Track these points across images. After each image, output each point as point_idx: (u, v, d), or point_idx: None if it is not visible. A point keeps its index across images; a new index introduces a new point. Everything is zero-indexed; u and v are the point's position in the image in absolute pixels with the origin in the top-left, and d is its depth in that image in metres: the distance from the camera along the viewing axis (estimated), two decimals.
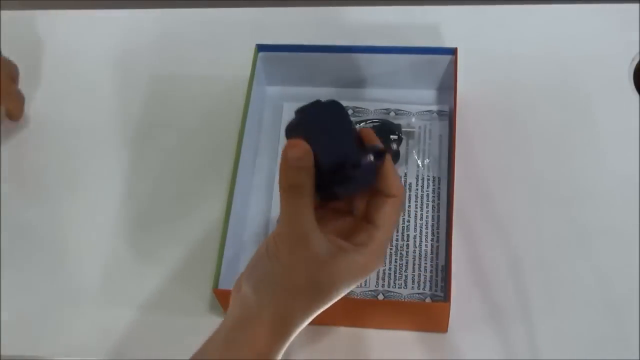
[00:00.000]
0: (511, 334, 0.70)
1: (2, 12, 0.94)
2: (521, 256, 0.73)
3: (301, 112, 0.55)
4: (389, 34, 0.86)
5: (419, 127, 0.80)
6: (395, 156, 0.78)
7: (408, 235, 0.74)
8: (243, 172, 0.76)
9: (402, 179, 0.78)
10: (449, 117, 0.80)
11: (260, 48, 0.81)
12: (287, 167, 0.52)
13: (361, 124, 0.79)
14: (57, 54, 0.92)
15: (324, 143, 0.53)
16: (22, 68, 0.87)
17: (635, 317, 0.70)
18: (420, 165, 0.78)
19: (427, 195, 0.76)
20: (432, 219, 0.75)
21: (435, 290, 0.71)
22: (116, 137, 0.85)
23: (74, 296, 0.76)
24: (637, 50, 0.84)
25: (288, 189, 0.53)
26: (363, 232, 0.56)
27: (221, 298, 0.70)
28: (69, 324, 0.75)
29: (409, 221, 0.75)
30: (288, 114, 0.82)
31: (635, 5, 0.86)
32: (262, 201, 0.78)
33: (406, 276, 0.72)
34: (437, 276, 0.72)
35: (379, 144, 0.56)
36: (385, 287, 0.72)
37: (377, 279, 0.73)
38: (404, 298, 0.71)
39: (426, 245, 0.74)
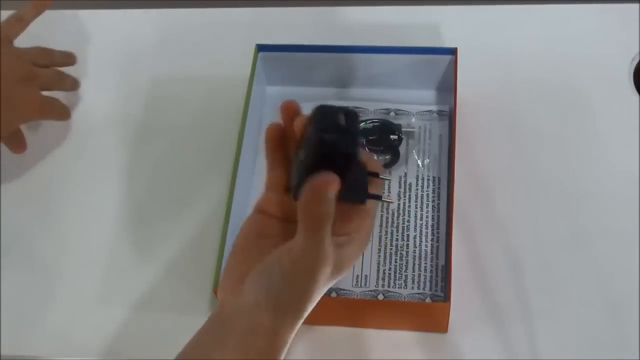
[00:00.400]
0: (511, 334, 0.70)
1: (3, 12, 0.94)
2: (521, 256, 0.73)
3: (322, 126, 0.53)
4: (389, 34, 0.86)
5: (419, 127, 0.80)
6: (395, 156, 0.78)
7: (408, 235, 0.74)
8: (243, 172, 0.76)
9: (402, 179, 0.78)
10: (449, 117, 0.80)
11: (260, 48, 0.81)
12: (318, 195, 0.51)
13: (361, 124, 0.79)
14: None
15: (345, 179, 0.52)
16: None
17: (635, 317, 0.70)
18: (420, 165, 0.78)
19: (427, 195, 0.76)
20: (432, 219, 0.75)
21: (435, 290, 0.71)
22: (116, 137, 0.85)
23: (74, 296, 0.76)
24: (637, 50, 0.84)
25: (317, 217, 0.52)
26: (344, 235, 0.55)
27: None
28: (68, 324, 0.75)
29: (409, 221, 0.75)
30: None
31: (635, 5, 0.86)
32: None
33: (406, 276, 0.72)
34: (437, 276, 0.72)
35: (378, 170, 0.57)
36: (385, 287, 0.72)
37: (377, 279, 0.72)
38: (404, 298, 0.71)
39: (426, 245, 0.74)
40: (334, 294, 0.71)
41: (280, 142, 0.57)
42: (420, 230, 0.74)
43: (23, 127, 0.82)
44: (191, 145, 0.83)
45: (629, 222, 0.74)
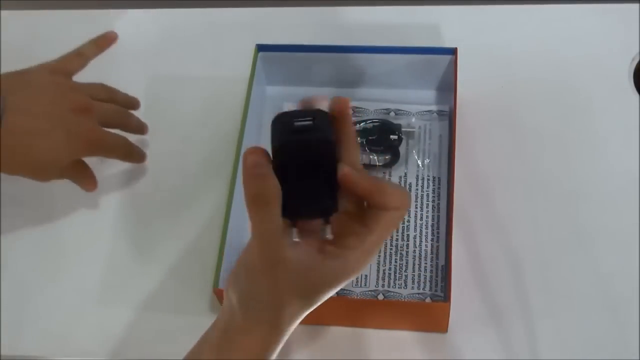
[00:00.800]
0: (511, 334, 0.70)
1: (2, 12, 0.94)
2: (521, 256, 0.73)
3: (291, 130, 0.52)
4: (389, 34, 0.86)
5: (419, 127, 0.80)
6: (395, 156, 0.78)
7: (408, 235, 0.74)
8: None
9: (402, 179, 0.78)
10: (449, 117, 0.80)
11: (260, 48, 0.81)
12: (249, 175, 0.51)
13: (361, 124, 0.79)
14: (57, 54, 0.92)
15: (301, 186, 0.51)
16: (21, 68, 0.86)
17: (635, 317, 0.70)
18: (420, 165, 0.78)
19: (427, 195, 0.76)
20: (432, 219, 0.75)
21: (435, 290, 0.71)
22: None
23: (74, 296, 0.76)
24: (637, 50, 0.84)
25: (253, 199, 0.51)
26: (354, 236, 0.53)
27: (221, 298, 0.70)
28: (68, 324, 0.75)
29: (409, 221, 0.75)
30: None
31: (635, 5, 0.86)
32: None
33: (406, 276, 0.72)
34: (437, 276, 0.72)
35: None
36: (385, 287, 0.72)
37: (377, 279, 0.73)
38: (404, 298, 0.71)
39: (426, 245, 0.74)
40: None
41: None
42: (420, 230, 0.74)
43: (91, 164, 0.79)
44: (191, 145, 0.83)
45: (629, 222, 0.74)
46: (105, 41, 0.80)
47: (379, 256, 0.73)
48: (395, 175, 0.78)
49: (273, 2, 0.92)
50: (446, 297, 0.68)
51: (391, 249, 0.74)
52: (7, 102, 0.68)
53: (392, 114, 0.81)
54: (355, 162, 0.54)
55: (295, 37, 0.84)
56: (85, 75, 0.89)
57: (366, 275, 0.73)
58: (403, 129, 0.79)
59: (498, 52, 0.85)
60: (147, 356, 0.72)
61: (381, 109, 0.81)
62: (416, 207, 0.76)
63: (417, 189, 0.77)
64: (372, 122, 0.80)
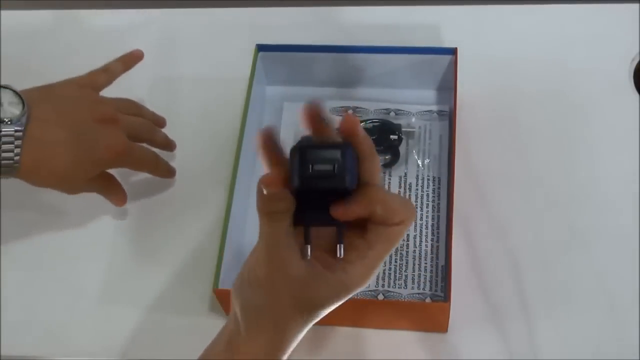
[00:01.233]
0: (511, 333, 0.70)
1: (2, 12, 0.94)
2: (521, 256, 0.73)
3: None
4: (389, 34, 0.86)
5: (419, 127, 0.80)
6: (395, 156, 0.78)
7: (408, 236, 0.74)
8: (243, 172, 0.76)
9: (402, 179, 0.78)
10: (449, 117, 0.80)
11: (260, 48, 0.81)
12: (266, 198, 0.51)
13: (361, 124, 0.79)
14: (57, 54, 0.92)
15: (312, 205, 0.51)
16: (21, 68, 0.87)
17: (635, 317, 0.70)
18: (420, 165, 0.78)
19: (427, 195, 0.76)
20: (432, 219, 0.75)
21: (435, 290, 0.71)
22: None
23: (74, 296, 0.76)
24: (637, 50, 0.84)
25: (266, 215, 0.51)
26: (355, 250, 0.52)
27: (221, 298, 0.70)
28: (68, 324, 0.75)
29: None
30: (288, 114, 0.82)
31: (635, 5, 0.86)
32: None
33: (406, 276, 0.72)
34: (437, 276, 0.72)
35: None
36: (385, 287, 0.72)
37: (377, 279, 0.73)
38: (404, 298, 0.71)
39: (426, 245, 0.74)
40: None
41: (273, 145, 0.54)
42: (420, 230, 0.74)
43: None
44: (191, 146, 0.83)
45: (629, 222, 0.74)
46: (131, 59, 0.80)
47: None
48: (395, 175, 0.78)
49: (273, 2, 0.92)
50: (446, 297, 0.68)
51: None
52: (31, 112, 0.67)
53: (392, 114, 0.81)
54: (372, 177, 0.52)
55: (295, 37, 0.84)
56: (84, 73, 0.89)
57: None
58: (403, 129, 0.79)
59: (498, 52, 0.85)
60: (148, 356, 0.72)
61: (381, 109, 0.81)
62: (416, 207, 0.76)
63: (417, 189, 0.77)
64: (372, 122, 0.80)
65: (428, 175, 0.77)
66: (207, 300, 0.74)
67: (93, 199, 0.81)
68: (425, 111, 0.81)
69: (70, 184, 0.72)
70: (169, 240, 0.78)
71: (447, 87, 0.81)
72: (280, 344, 0.54)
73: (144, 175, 0.82)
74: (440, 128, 0.80)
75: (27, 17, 0.95)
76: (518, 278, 0.72)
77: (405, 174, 0.78)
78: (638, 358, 0.68)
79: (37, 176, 0.69)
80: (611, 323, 0.70)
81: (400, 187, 0.77)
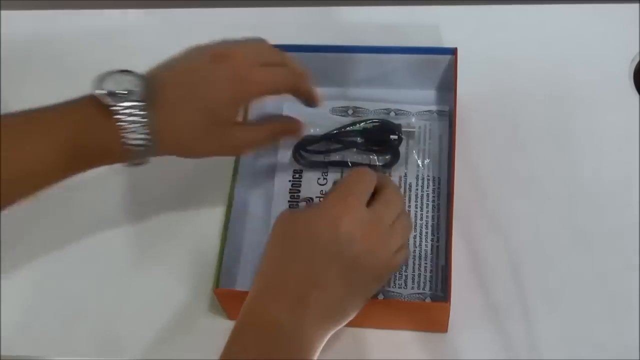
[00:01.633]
0: (511, 334, 0.70)
1: (2, 12, 0.94)
2: (521, 256, 0.73)
3: None
4: (389, 34, 0.86)
5: (419, 127, 0.80)
6: (395, 156, 0.78)
7: None
8: (243, 172, 0.76)
9: (402, 179, 0.78)
10: (449, 117, 0.80)
11: None
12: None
13: (361, 124, 0.79)
14: (57, 54, 0.92)
15: None
16: (21, 68, 0.87)
17: (635, 317, 0.70)
18: (420, 165, 0.78)
19: (427, 195, 0.76)
20: (432, 219, 0.75)
21: (436, 290, 0.71)
22: None
23: (74, 296, 0.76)
24: (637, 50, 0.84)
25: None
26: None
27: (221, 298, 0.70)
28: (68, 324, 0.75)
29: None
30: (288, 114, 0.82)
31: (635, 5, 0.86)
32: (262, 201, 0.79)
33: (406, 276, 0.72)
34: (437, 276, 0.72)
35: None
36: (385, 287, 0.72)
37: None
38: (404, 298, 0.71)
39: (426, 245, 0.74)
40: None
41: None
42: (421, 230, 0.74)
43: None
44: None
45: (629, 222, 0.74)
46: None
47: None
48: (395, 175, 0.78)
49: (273, 2, 0.92)
50: (446, 297, 0.68)
51: None
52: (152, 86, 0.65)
53: (392, 113, 0.81)
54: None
55: (296, 37, 0.84)
56: (85, 76, 0.89)
57: None
58: (403, 129, 0.79)
59: (498, 52, 0.85)
60: (147, 356, 0.72)
61: (381, 109, 0.81)
62: (416, 207, 0.76)
63: (417, 189, 0.77)
64: (372, 122, 0.80)
65: (428, 175, 0.77)
66: (207, 300, 0.74)
67: (93, 198, 0.81)
68: (425, 111, 0.81)
69: (215, 118, 0.67)
70: (169, 240, 0.78)
71: (447, 87, 0.81)
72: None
73: (144, 175, 0.82)
74: (440, 128, 0.80)
75: (27, 17, 0.95)
76: (518, 278, 0.72)
77: (405, 174, 0.78)
78: (638, 358, 0.68)
79: (175, 146, 0.67)
80: (611, 323, 0.70)
81: (400, 187, 0.77)
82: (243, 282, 0.74)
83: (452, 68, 0.78)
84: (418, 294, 0.71)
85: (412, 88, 0.82)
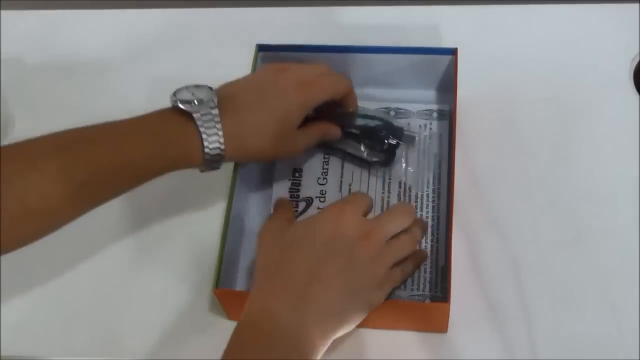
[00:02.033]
0: (511, 334, 0.70)
1: (2, 12, 0.94)
2: (521, 256, 0.73)
3: None
4: (389, 34, 0.86)
5: (419, 126, 0.80)
6: (391, 155, 0.77)
7: None
8: (243, 171, 0.76)
9: (402, 179, 0.77)
10: (449, 116, 0.80)
11: (260, 48, 0.81)
12: None
13: (363, 119, 0.78)
14: (57, 54, 0.92)
15: None
16: (21, 68, 0.87)
17: (635, 317, 0.70)
18: (420, 165, 0.78)
19: (427, 195, 0.76)
20: (432, 219, 0.75)
21: (435, 292, 0.71)
22: None
23: (74, 296, 0.76)
24: (637, 50, 0.84)
25: None
26: None
27: (221, 298, 0.70)
28: (68, 324, 0.75)
29: None
30: None
31: (635, 5, 0.86)
32: (262, 201, 0.79)
33: None
34: (437, 277, 0.72)
35: None
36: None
37: None
38: (404, 300, 0.71)
39: (426, 246, 0.74)
40: None
41: None
42: None
43: None
44: None
45: (629, 222, 0.74)
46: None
47: None
48: (394, 175, 0.78)
49: (273, 2, 0.92)
50: (446, 298, 0.68)
51: None
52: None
53: (392, 112, 0.81)
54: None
55: (295, 37, 0.84)
56: (85, 76, 0.89)
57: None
58: (405, 132, 0.78)
59: (498, 52, 0.85)
60: (147, 356, 0.72)
61: (381, 108, 0.81)
62: (416, 207, 0.76)
63: (417, 189, 0.77)
64: (375, 119, 0.78)
65: (428, 176, 0.77)
66: (207, 300, 0.74)
67: None
68: (425, 110, 0.81)
69: (279, 145, 0.71)
70: (169, 240, 0.78)
71: (447, 87, 0.81)
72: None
73: None
74: (440, 128, 0.80)
75: (27, 17, 0.95)
76: (518, 278, 0.72)
77: (405, 173, 0.78)
78: (638, 358, 0.68)
79: (243, 153, 0.71)
80: (611, 323, 0.70)
81: (399, 187, 0.77)
82: (243, 282, 0.74)
83: (452, 68, 0.78)
84: (418, 295, 0.71)
85: (412, 88, 0.82)
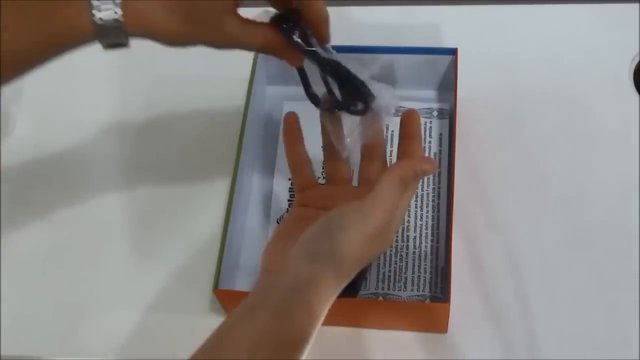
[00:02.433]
0: (511, 334, 0.70)
1: None
2: (521, 256, 0.74)
3: None
4: (389, 34, 0.86)
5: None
6: (366, 104, 0.68)
7: (408, 236, 0.74)
8: (243, 171, 0.76)
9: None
10: (449, 116, 0.80)
11: None
12: None
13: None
14: None
15: None
16: None
17: (635, 317, 0.70)
18: None
19: (427, 195, 0.76)
20: (432, 219, 0.75)
21: (435, 292, 0.71)
22: (117, 137, 0.85)
23: (74, 296, 0.76)
24: (637, 50, 0.84)
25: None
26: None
27: (221, 298, 0.70)
28: (69, 324, 0.75)
29: (408, 222, 0.75)
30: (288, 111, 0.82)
31: (635, 5, 0.86)
32: (262, 201, 0.79)
33: (406, 278, 0.72)
34: (437, 277, 0.72)
35: None
36: (385, 290, 0.72)
37: (377, 281, 0.72)
38: (404, 301, 0.71)
39: (426, 246, 0.74)
40: None
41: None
42: (420, 231, 0.74)
43: None
44: (191, 145, 0.83)
45: (629, 222, 0.74)
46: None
47: (379, 257, 0.73)
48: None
49: None
50: (446, 298, 0.68)
51: (391, 250, 0.74)
52: None
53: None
54: None
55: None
56: (85, 76, 0.89)
57: (366, 278, 0.73)
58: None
59: (498, 51, 0.85)
60: (147, 356, 0.72)
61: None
62: (416, 207, 0.76)
63: (417, 189, 0.77)
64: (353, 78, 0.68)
65: (428, 176, 0.77)
66: (207, 300, 0.74)
67: (93, 198, 0.81)
68: (425, 109, 0.81)
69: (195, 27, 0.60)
70: (169, 240, 0.78)
71: (448, 87, 0.81)
72: (338, 282, 0.60)
73: (144, 175, 0.82)
74: (440, 127, 0.80)
75: None
76: (518, 278, 0.72)
77: None
78: (638, 358, 0.68)
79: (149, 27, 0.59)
80: (611, 323, 0.70)
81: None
82: (243, 282, 0.74)
83: (453, 68, 0.78)
84: (418, 295, 0.71)
85: (412, 88, 0.82)
